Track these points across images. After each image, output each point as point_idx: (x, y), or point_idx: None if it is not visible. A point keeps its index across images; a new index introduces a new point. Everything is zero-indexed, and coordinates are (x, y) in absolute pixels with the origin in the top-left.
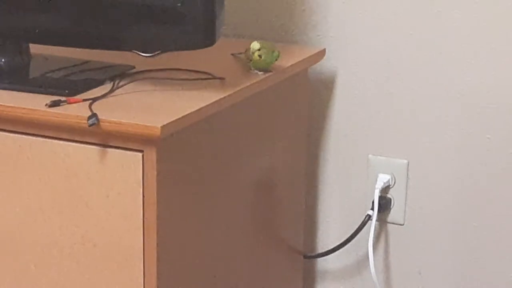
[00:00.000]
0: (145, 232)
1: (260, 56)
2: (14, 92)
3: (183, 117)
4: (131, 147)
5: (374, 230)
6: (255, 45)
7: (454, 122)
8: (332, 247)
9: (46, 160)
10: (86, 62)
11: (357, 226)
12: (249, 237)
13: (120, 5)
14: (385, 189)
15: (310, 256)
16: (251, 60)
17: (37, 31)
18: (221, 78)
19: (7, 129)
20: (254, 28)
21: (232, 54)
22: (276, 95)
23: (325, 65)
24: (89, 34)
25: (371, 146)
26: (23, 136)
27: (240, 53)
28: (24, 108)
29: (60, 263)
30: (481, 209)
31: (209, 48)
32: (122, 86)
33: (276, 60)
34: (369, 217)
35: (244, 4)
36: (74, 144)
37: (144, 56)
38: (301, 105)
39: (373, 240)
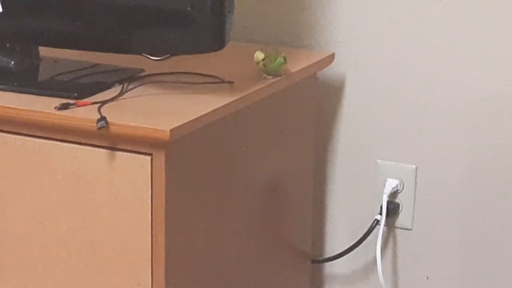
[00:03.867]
0: (153, 235)
1: (264, 65)
2: (23, 95)
3: (192, 120)
4: (140, 150)
5: (382, 235)
6: (259, 55)
7: (462, 127)
8: (339, 251)
9: (55, 163)
10: (95, 65)
11: (365, 231)
12: (256, 241)
13: (130, 9)
14: (393, 194)
15: (318, 260)
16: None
17: (46, 33)
18: (230, 82)
19: (16, 131)
20: (263, 33)
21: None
22: (285, 100)
23: (334, 69)
24: (99, 37)
25: (380, 150)
26: (32, 138)
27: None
28: (33, 111)
29: (68, 265)
30: (489, 214)
31: (218, 52)
32: (131, 89)
33: (282, 65)
34: (377, 221)
35: (253, 8)
36: (82, 147)
37: (153, 59)
38: (309, 109)
39: (381, 245)
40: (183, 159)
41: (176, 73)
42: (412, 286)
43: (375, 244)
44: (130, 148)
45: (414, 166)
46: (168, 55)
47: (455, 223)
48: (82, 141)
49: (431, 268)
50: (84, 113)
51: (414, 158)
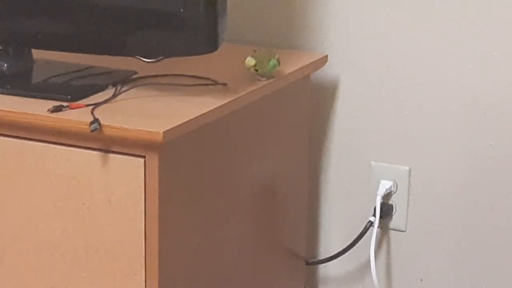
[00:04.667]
0: (146, 237)
1: (256, 70)
2: (17, 97)
3: (185, 122)
4: (133, 152)
5: (376, 236)
6: (250, 61)
7: (456, 129)
8: (334, 253)
9: (48, 165)
10: (89, 67)
11: (359, 233)
12: (251, 243)
13: (123, 11)
14: (387, 196)
15: (312, 262)
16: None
17: (40, 36)
18: (224, 84)
19: (9, 134)
20: (257, 34)
21: (254, 51)
22: (278, 101)
23: (327, 71)
24: (92, 39)
25: (373, 152)
26: (25, 141)
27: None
28: (26, 113)
29: (62, 267)
30: (484, 215)
31: (212, 54)
32: (124, 91)
33: (276, 66)
34: (371, 223)
35: (246, 10)
36: (76, 149)
37: (146, 61)
38: (303, 111)
39: (374, 247)
40: (176, 161)
41: (170, 75)
42: (406, 287)
43: (369, 245)
44: (123, 150)
45: (407, 168)
46: (161, 57)
47: (449, 224)
48: (76, 144)
49: (425, 270)
50: (77, 116)
51: (408, 160)
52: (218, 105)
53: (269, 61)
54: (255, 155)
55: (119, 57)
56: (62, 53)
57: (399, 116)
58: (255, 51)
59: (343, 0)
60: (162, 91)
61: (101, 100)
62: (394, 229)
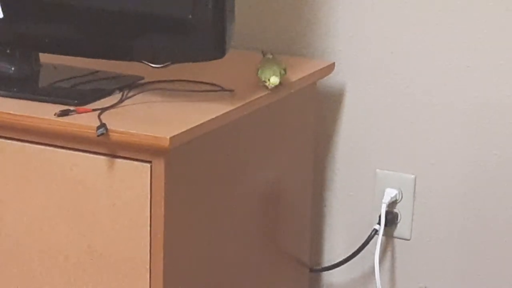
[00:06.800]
0: (152, 243)
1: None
2: (24, 101)
3: (191, 128)
4: (139, 157)
5: (381, 244)
6: (275, 79)
7: (462, 138)
8: (338, 261)
9: (54, 169)
10: (96, 72)
11: (363, 240)
12: (255, 250)
13: (131, 16)
14: (392, 204)
15: (316, 269)
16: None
17: (47, 40)
18: (231, 90)
19: (16, 137)
20: (264, 41)
21: (263, 54)
22: (284, 108)
23: (334, 78)
24: (99, 44)
25: (379, 160)
26: (32, 145)
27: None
28: (33, 117)
29: (66, 271)
30: (488, 224)
31: (219, 60)
32: (131, 96)
33: (283, 76)
34: (375, 231)
35: (254, 17)
36: (82, 153)
37: (153, 67)
38: (309, 118)
39: (379, 255)
40: (182, 166)
41: (176, 80)
42: None
43: (373, 253)
44: (129, 155)
45: (413, 176)
46: (169, 63)
47: (453, 233)
48: (82, 148)
49: (429, 278)
50: (84, 120)
51: (413, 168)
52: (225, 111)
53: (280, 71)
54: (260, 161)
55: (126, 62)
56: (69, 57)
57: (405, 124)
58: (264, 54)
59: (350, 8)
60: (169, 96)
61: (108, 105)
62: (398, 237)
